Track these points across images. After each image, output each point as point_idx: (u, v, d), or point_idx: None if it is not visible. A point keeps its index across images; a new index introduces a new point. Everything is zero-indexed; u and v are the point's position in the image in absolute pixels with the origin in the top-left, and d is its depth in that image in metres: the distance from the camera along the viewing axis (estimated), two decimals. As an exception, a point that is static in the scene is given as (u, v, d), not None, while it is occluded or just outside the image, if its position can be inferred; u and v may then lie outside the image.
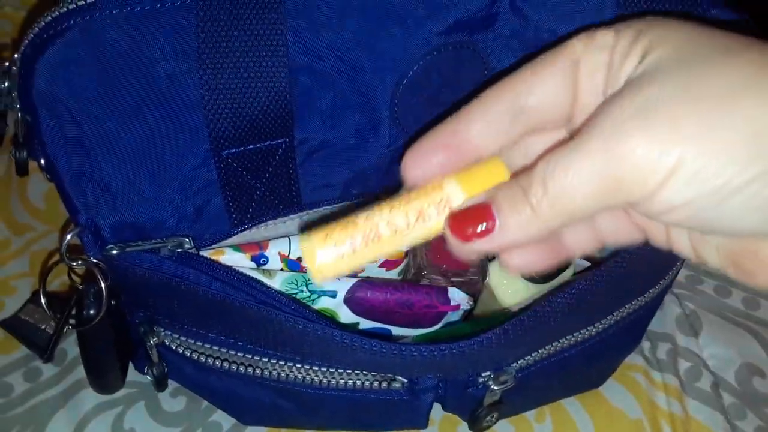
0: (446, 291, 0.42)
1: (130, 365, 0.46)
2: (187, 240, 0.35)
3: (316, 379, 0.39)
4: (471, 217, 0.25)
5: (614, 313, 0.42)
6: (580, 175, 0.22)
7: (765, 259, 0.23)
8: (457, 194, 0.26)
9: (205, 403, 0.47)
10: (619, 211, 0.27)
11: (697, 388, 0.50)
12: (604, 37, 0.24)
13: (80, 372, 0.47)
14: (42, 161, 0.33)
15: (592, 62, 0.24)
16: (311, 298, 0.41)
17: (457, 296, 0.42)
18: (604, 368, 0.49)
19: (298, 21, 0.32)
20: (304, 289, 0.41)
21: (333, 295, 0.41)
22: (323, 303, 0.41)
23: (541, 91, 0.25)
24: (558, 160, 0.23)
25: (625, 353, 0.50)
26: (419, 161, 0.27)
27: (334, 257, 0.25)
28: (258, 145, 0.34)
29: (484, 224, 0.25)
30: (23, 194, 0.55)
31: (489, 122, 0.26)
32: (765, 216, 0.21)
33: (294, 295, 0.41)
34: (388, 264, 0.44)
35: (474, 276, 0.44)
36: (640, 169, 0.21)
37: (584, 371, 0.47)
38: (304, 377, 0.39)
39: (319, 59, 0.33)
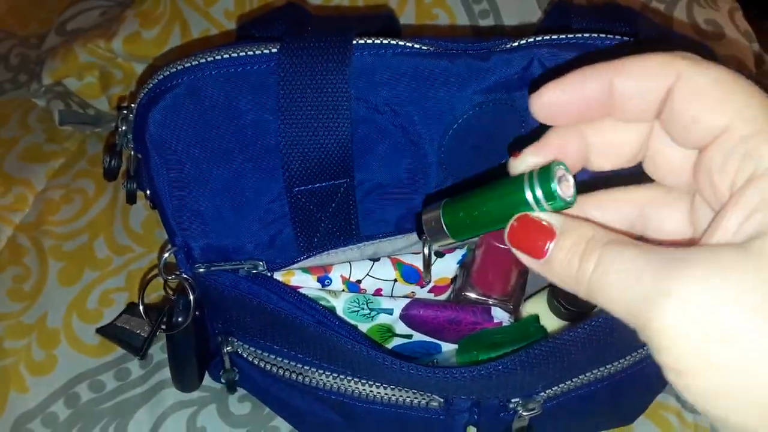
0: (490, 310, 0.46)
1: (206, 373, 0.52)
2: (261, 263, 0.41)
3: (364, 392, 0.43)
4: (531, 235, 0.27)
5: (639, 351, 0.44)
6: (620, 285, 0.24)
7: None
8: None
9: (267, 409, 0.52)
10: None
11: None
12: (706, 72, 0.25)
13: (163, 374, 0.54)
14: (148, 191, 0.40)
15: (693, 84, 0.25)
16: (371, 315, 0.46)
17: (500, 314, 0.46)
18: (633, 405, 0.51)
19: (359, 81, 0.38)
20: (365, 307, 0.46)
21: (390, 312, 0.46)
22: (381, 319, 0.46)
23: (636, 82, 0.26)
24: (616, 262, 0.24)
25: (654, 391, 0.51)
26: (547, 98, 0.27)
27: None
28: (323, 184, 0.40)
29: (537, 247, 0.27)
30: (125, 220, 0.64)
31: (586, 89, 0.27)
32: None
33: (355, 313, 0.46)
34: (436, 290, 0.49)
35: (509, 302, 0.48)
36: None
37: (612, 406, 0.50)
38: (353, 389, 0.44)
39: (377, 112, 0.39)
